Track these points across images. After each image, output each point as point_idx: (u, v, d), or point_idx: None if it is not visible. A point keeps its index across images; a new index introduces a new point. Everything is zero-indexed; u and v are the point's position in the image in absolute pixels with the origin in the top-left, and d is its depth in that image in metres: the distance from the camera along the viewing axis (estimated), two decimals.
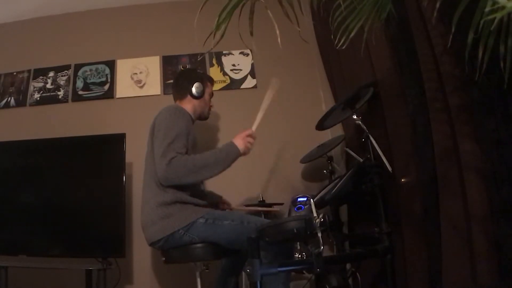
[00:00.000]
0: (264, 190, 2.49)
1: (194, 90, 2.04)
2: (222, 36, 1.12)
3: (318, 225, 1.31)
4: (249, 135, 1.88)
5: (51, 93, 2.86)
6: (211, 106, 2.18)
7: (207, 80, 2.15)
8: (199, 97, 2.06)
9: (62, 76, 2.91)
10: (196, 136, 1.99)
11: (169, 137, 1.76)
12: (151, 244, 1.82)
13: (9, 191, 2.32)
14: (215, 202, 2.15)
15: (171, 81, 2.82)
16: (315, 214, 1.33)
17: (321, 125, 2.16)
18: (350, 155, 2.18)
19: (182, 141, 1.78)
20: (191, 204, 1.80)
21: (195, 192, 1.85)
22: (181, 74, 2.25)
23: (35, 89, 2.88)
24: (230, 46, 2.92)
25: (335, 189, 1.90)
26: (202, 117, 2.14)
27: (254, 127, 1.93)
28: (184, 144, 1.78)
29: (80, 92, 2.87)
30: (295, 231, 1.33)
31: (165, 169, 1.70)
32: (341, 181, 1.91)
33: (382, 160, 1.76)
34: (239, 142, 1.84)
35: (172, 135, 1.76)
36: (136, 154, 2.40)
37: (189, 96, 2.06)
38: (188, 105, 2.05)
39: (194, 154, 1.87)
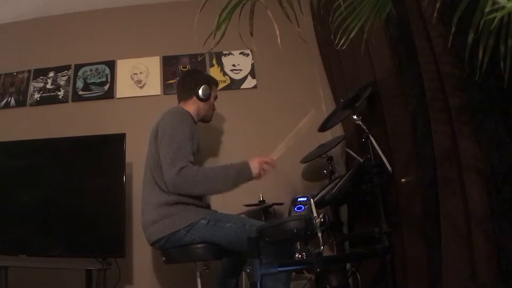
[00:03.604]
0: (264, 190, 2.49)
1: (201, 92, 2.05)
2: (222, 36, 1.12)
3: (318, 225, 1.31)
4: (267, 162, 1.85)
5: (51, 93, 2.86)
6: (214, 109, 2.19)
7: (213, 83, 2.16)
8: (205, 99, 2.07)
9: (62, 76, 2.91)
10: (200, 139, 1.99)
11: (175, 142, 1.76)
12: (152, 244, 1.82)
13: (9, 191, 2.31)
14: None
15: (171, 81, 2.85)
16: (315, 214, 1.33)
17: (324, 128, 2.17)
18: (350, 155, 2.18)
19: (189, 146, 1.78)
20: (193, 205, 1.80)
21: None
22: (188, 75, 2.24)
23: (35, 89, 2.88)
24: (230, 46, 2.92)
25: (335, 189, 1.90)
26: (205, 119, 2.15)
27: (275, 156, 1.91)
28: (191, 150, 1.78)
29: (80, 92, 2.87)
30: (295, 231, 1.33)
31: (174, 177, 1.69)
32: (341, 181, 1.91)
33: (382, 160, 1.75)
34: (255, 166, 1.81)
35: (178, 140, 1.76)
36: (136, 154, 2.40)
37: (194, 98, 2.06)
38: (192, 106, 2.05)
39: (198, 157, 1.87)
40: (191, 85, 2.07)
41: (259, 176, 1.83)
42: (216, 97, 2.19)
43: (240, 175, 1.79)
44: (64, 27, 3.03)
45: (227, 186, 1.79)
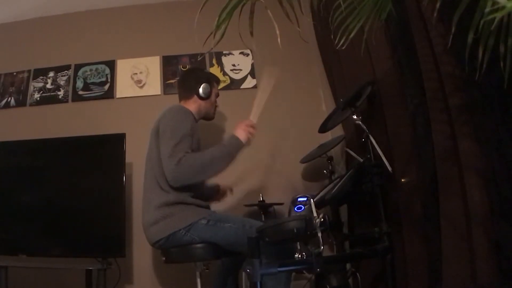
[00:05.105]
0: (264, 190, 2.49)
1: (201, 91, 2.04)
2: (222, 36, 1.12)
3: (318, 225, 1.32)
4: (249, 125, 1.91)
5: (51, 93, 2.86)
6: (217, 106, 2.18)
7: (213, 81, 2.15)
8: (206, 98, 2.06)
9: (62, 76, 2.91)
10: (200, 138, 1.99)
11: (175, 137, 1.76)
12: (153, 244, 1.83)
13: (9, 191, 2.32)
14: (215, 192, 2.15)
15: (171, 81, 2.85)
16: (315, 214, 1.34)
17: (324, 128, 2.17)
18: (350, 155, 2.18)
19: (188, 141, 1.79)
20: (193, 205, 1.81)
21: (197, 193, 1.86)
22: (188, 74, 2.25)
23: (35, 89, 2.88)
24: (230, 46, 2.92)
25: (335, 189, 1.89)
26: (207, 117, 2.14)
27: (252, 117, 1.98)
28: (190, 144, 1.79)
29: (80, 92, 2.87)
30: (295, 231, 1.34)
31: (174, 169, 1.70)
32: (341, 181, 1.91)
33: (382, 160, 1.75)
34: (240, 133, 1.87)
35: (178, 135, 1.77)
36: (136, 154, 2.40)
37: (195, 96, 2.05)
38: (193, 105, 2.04)
39: None
40: (191, 83, 2.07)
41: (249, 141, 1.90)
42: (218, 95, 2.18)
43: (234, 148, 1.85)
44: (64, 27, 3.03)
45: (225, 164, 1.83)
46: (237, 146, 1.85)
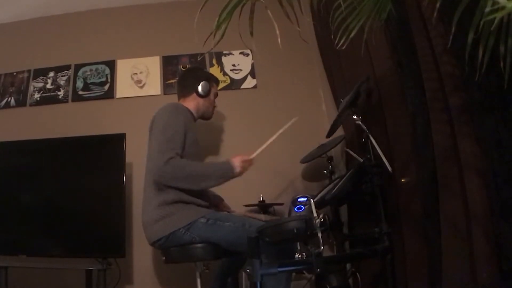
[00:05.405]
0: (264, 190, 2.49)
1: (200, 88, 2.06)
2: (222, 36, 1.12)
3: (318, 225, 1.32)
4: (247, 161, 1.88)
5: (51, 93, 2.86)
6: (215, 106, 2.19)
7: (213, 80, 2.17)
8: (204, 96, 2.08)
9: (62, 76, 2.91)
10: (198, 135, 1.99)
11: (166, 134, 1.77)
12: (152, 244, 1.83)
13: (9, 191, 2.32)
14: (216, 203, 2.15)
15: (171, 81, 2.85)
16: (315, 214, 1.34)
17: (331, 133, 2.20)
18: (350, 155, 2.18)
19: (180, 139, 1.79)
20: (192, 204, 1.81)
21: (197, 192, 1.85)
22: (188, 72, 2.27)
23: (35, 89, 2.88)
24: (230, 46, 2.92)
25: (335, 189, 1.89)
26: (206, 116, 2.15)
27: (253, 155, 1.93)
28: (181, 142, 1.79)
29: (80, 92, 2.87)
30: (295, 231, 1.34)
31: (161, 167, 1.70)
32: (341, 181, 1.91)
33: (382, 160, 1.75)
34: (237, 164, 1.84)
35: (169, 132, 1.77)
36: (136, 154, 2.40)
37: (194, 94, 2.07)
38: (192, 103, 2.05)
39: (194, 152, 1.87)
40: (191, 81, 2.09)
41: (240, 174, 1.86)
42: (216, 95, 2.20)
43: (225, 174, 1.82)
44: (64, 27, 3.03)
45: (211, 184, 1.83)
46: (229, 174, 1.82)
